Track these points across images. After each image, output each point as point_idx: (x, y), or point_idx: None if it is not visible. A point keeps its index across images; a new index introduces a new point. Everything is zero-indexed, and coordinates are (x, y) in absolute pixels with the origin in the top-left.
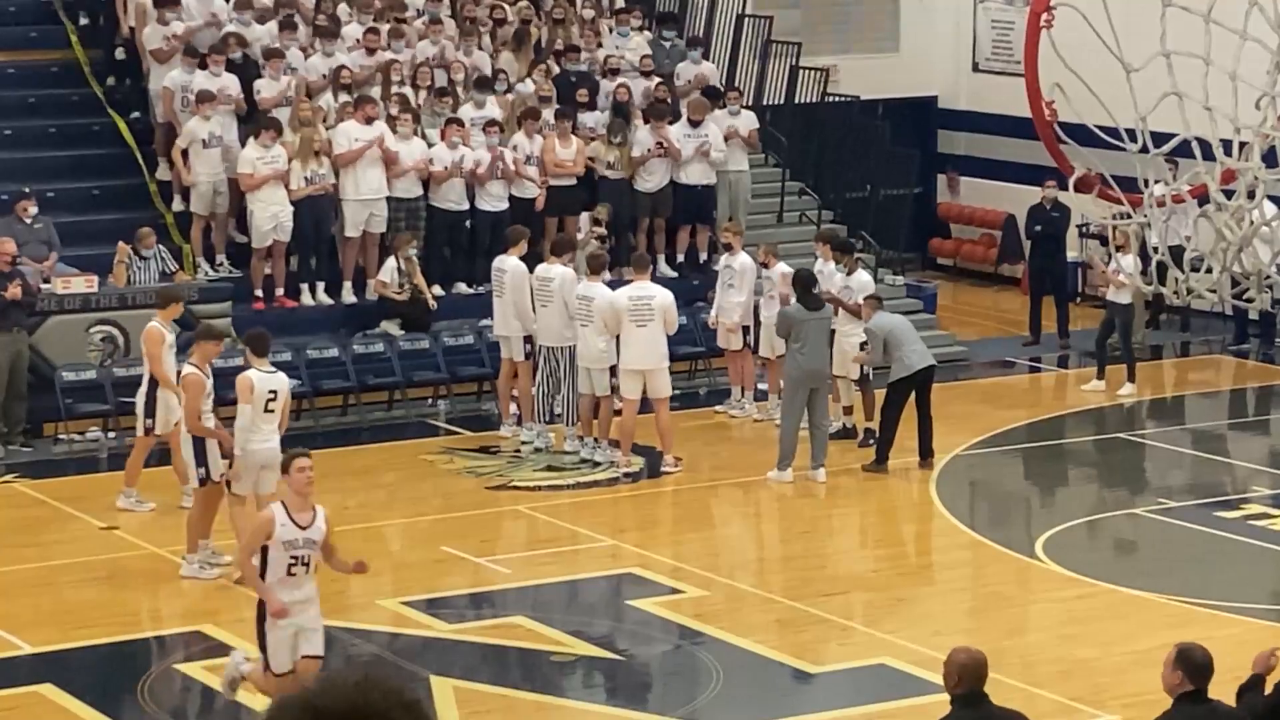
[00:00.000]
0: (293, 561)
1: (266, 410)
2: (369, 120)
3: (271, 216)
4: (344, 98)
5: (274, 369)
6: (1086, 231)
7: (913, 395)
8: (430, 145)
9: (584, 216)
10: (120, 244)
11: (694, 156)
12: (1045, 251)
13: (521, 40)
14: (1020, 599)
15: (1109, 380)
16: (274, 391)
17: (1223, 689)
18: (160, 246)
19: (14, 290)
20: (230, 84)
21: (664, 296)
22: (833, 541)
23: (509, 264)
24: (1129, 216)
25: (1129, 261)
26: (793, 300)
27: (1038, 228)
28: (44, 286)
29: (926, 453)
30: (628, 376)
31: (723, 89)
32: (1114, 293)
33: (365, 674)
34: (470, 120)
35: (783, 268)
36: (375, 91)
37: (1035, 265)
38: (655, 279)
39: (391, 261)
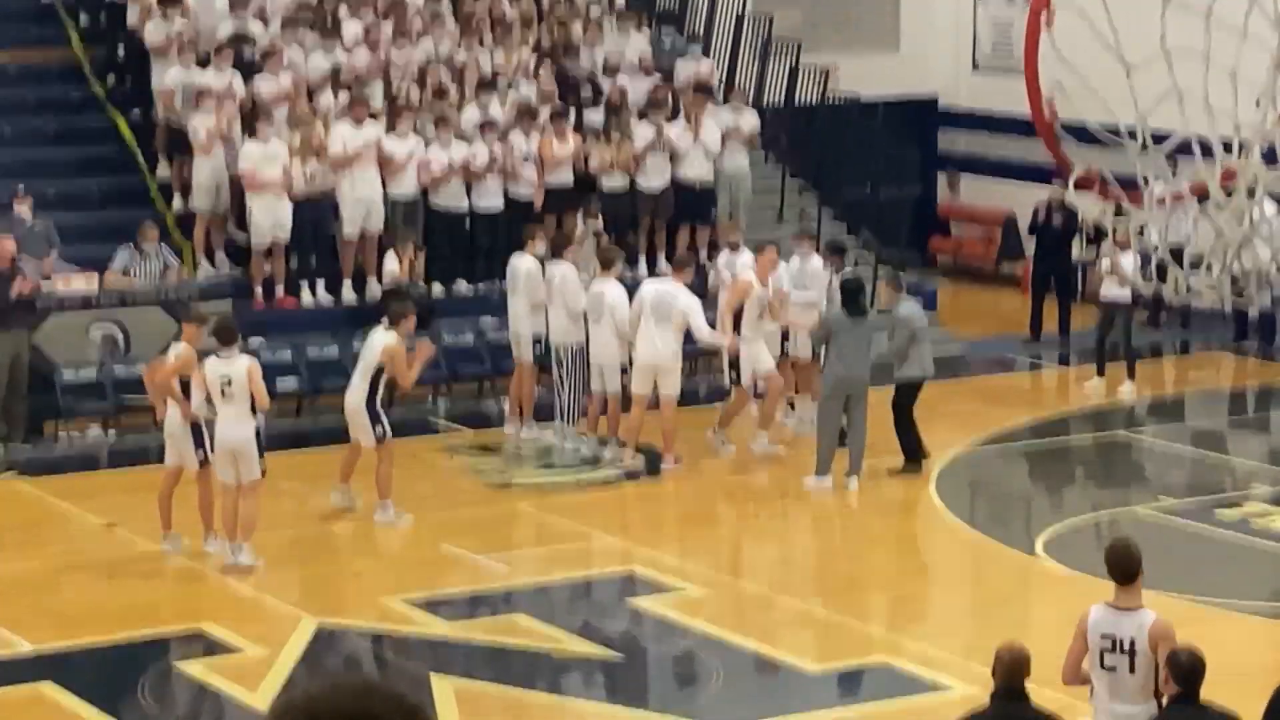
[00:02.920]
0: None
1: (223, 396)
2: (359, 122)
3: (271, 215)
4: (344, 97)
5: (236, 356)
6: (1077, 228)
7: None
8: (427, 145)
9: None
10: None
11: (693, 146)
12: (1051, 251)
13: (509, 34)
14: (1020, 598)
15: (1109, 379)
16: (227, 377)
17: (1223, 688)
18: (162, 245)
19: (26, 286)
20: (235, 82)
21: (687, 299)
22: (833, 541)
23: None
24: (1121, 214)
25: (1128, 260)
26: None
27: (1046, 226)
28: (44, 285)
29: (921, 454)
30: (640, 372)
31: (721, 88)
32: (1114, 290)
33: (367, 680)
34: (475, 122)
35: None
36: (375, 90)
37: (1040, 264)
38: (655, 277)
39: (392, 255)
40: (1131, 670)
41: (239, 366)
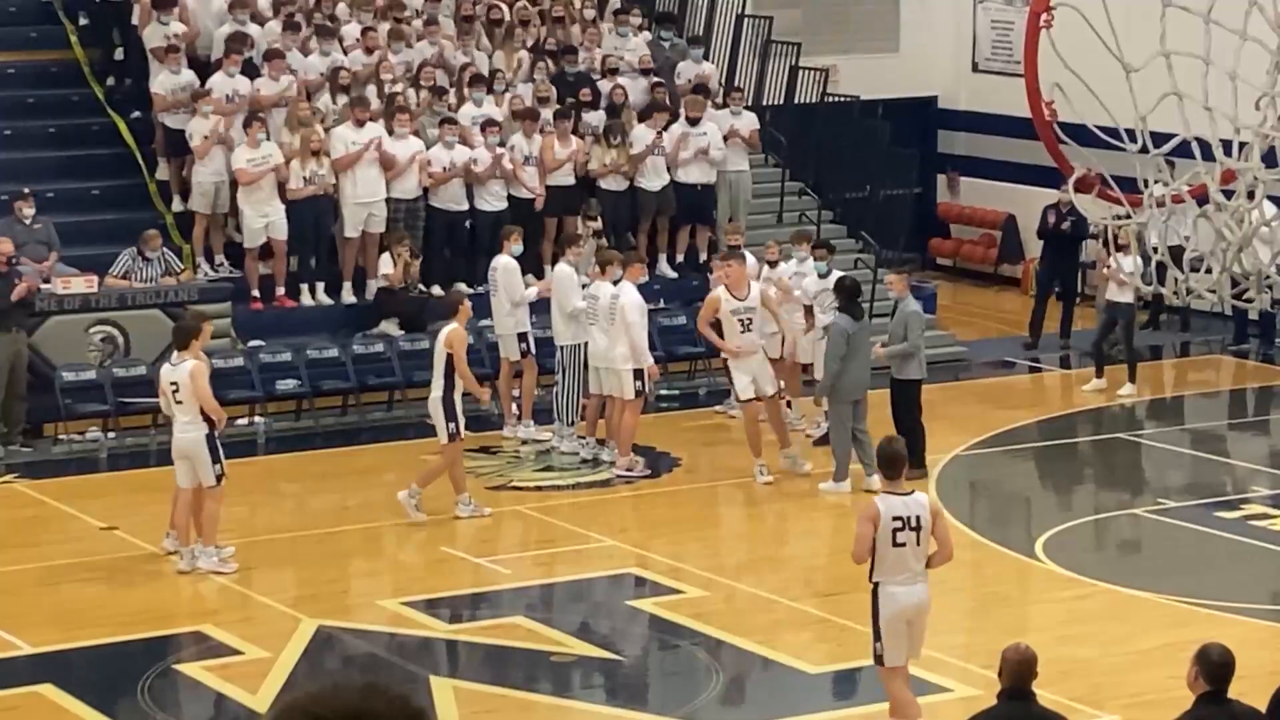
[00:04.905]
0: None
1: (176, 401)
2: (361, 123)
3: (262, 216)
4: (343, 99)
5: (185, 361)
6: (1088, 232)
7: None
8: (428, 146)
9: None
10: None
11: (694, 156)
12: (1060, 252)
13: (509, 36)
14: (1020, 599)
15: (1109, 380)
16: (174, 383)
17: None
18: (165, 251)
19: (27, 288)
20: (242, 84)
21: (626, 297)
22: (832, 541)
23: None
24: (1128, 216)
25: (1129, 261)
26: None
27: (1056, 228)
28: (44, 286)
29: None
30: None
31: (721, 88)
32: (1115, 292)
33: (369, 681)
34: (472, 119)
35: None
36: (372, 91)
37: (1048, 265)
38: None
39: (386, 257)
40: (918, 543)
41: (183, 371)
